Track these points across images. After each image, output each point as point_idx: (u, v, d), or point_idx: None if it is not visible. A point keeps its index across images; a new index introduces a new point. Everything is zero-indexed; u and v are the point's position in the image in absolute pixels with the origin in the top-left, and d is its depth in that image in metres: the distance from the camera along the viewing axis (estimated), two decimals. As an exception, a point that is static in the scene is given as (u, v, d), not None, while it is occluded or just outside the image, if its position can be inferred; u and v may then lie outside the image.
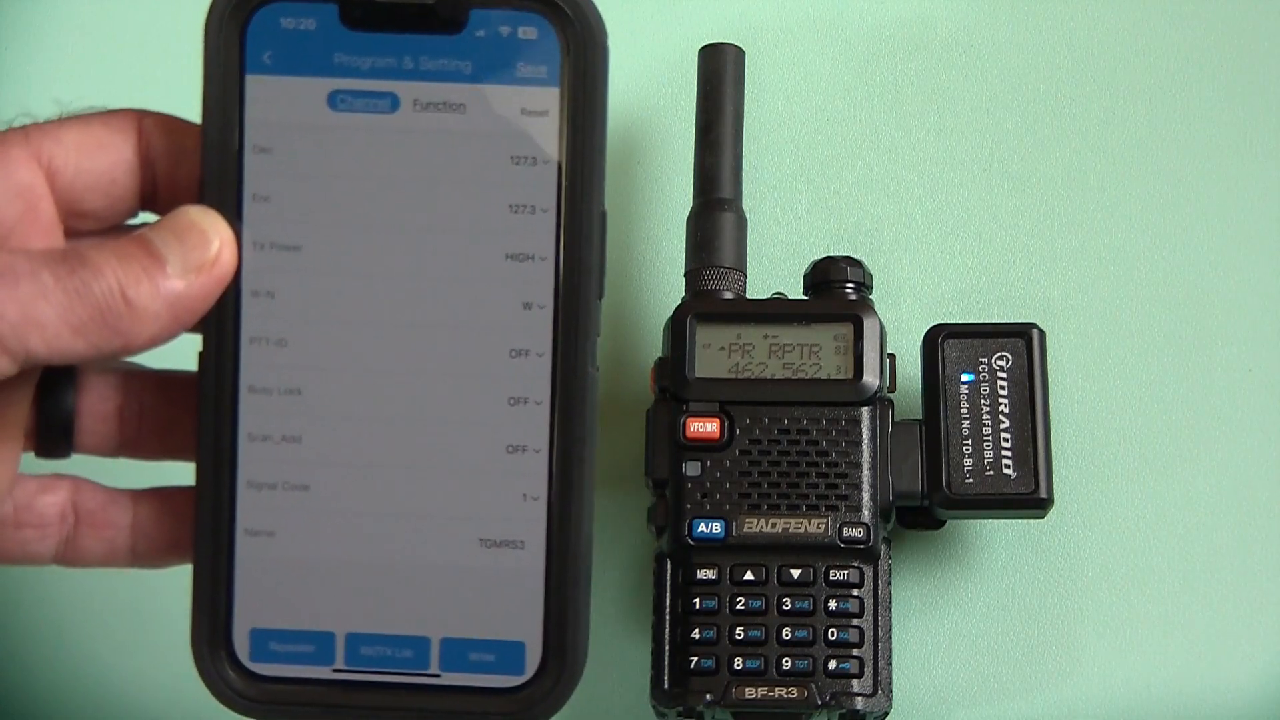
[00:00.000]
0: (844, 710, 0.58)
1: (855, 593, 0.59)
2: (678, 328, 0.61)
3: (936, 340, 0.62)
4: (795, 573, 0.59)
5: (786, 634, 0.59)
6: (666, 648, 0.59)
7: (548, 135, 0.44)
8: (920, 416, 0.61)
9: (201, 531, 0.45)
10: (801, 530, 0.59)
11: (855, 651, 0.59)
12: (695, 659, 0.59)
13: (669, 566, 0.60)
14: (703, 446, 0.60)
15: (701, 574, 0.59)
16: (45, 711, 0.65)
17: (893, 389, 0.61)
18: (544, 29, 0.44)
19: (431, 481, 0.45)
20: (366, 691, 0.45)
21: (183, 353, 0.46)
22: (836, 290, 0.62)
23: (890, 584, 0.60)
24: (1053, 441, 0.61)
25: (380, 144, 0.44)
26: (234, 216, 0.44)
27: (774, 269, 0.67)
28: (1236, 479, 0.65)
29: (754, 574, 0.59)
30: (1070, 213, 0.69)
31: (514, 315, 0.44)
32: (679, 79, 0.68)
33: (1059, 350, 0.65)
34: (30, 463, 0.46)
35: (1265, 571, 0.64)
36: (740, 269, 0.63)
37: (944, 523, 0.63)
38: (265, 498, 0.45)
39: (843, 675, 0.58)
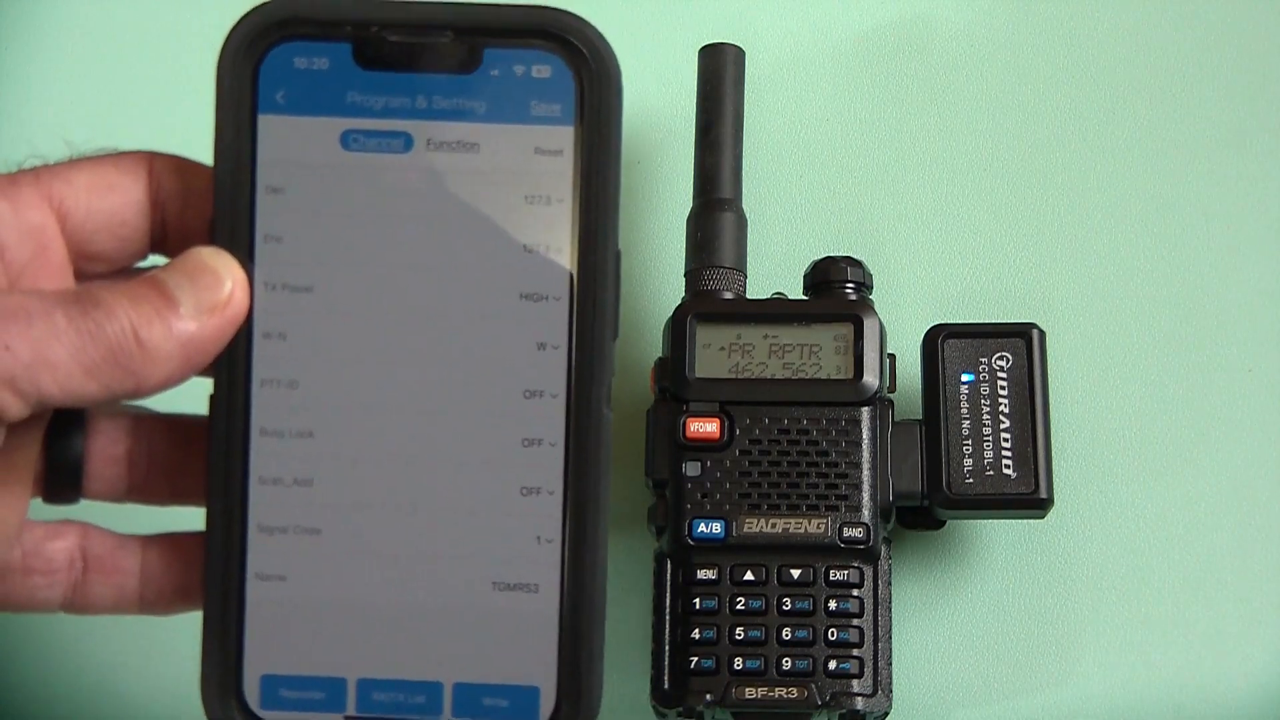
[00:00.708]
0: (844, 710, 0.58)
1: (855, 593, 0.59)
2: (678, 328, 0.61)
3: (936, 340, 0.62)
4: (795, 573, 0.59)
5: (786, 634, 0.59)
6: (666, 648, 0.59)
7: (562, 174, 0.44)
8: (920, 416, 0.61)
9: (211, 576, 0.44)
10: (801, 530, 0.59)
11: (855, 651, 0.59)
12: (695, 659, 0.59)
13: (669, 566, 0.60)
14: (703, 446, 0.60)
15: (701, 574, 0.59)
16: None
17: (893, 389, 0.61)
18: (558, 67, 0.44)
19: (444, 524, 0.44)
20: None
21: (190, 397, 0.46)
22: (836, 290, 0.62)
23: (890, 584, 0.60)
24: (1053, 441, 0.61)
25: (393, 184, 0.44)
26: (246, 257, 0.44)
27: (774, 269, 0.67)
28: (1236, 479, 0.65)
29: (754, 574, 0.59)
30: (1070, 213, 0.69)
31: (528, 356, 0.44)
32: (679, 79, 0.68)
33: (1059, 350, 0.65)
34: (36, 508, 0.45)
35: (1265, 571, 0.64)
36: (740, 269, 0.63)
37: (944, 523, 0.63)
38: (276, 542, 0.44)
39: (843, 675, 0.58)
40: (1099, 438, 0.66)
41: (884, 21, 0.72)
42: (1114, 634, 0.64)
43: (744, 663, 0.59)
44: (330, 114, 0.44)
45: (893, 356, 0.61)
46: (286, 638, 0.44)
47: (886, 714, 0.59)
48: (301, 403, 0.44)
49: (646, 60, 0.71)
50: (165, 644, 0.62)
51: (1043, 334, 0.62)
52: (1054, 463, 0.60)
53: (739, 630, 0.59)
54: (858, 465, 0.60)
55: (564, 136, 0.44)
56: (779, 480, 0.60)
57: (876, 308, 0.62)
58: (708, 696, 0.58)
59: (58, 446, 0.45)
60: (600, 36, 0.44)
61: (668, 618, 0.59)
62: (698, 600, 0.59)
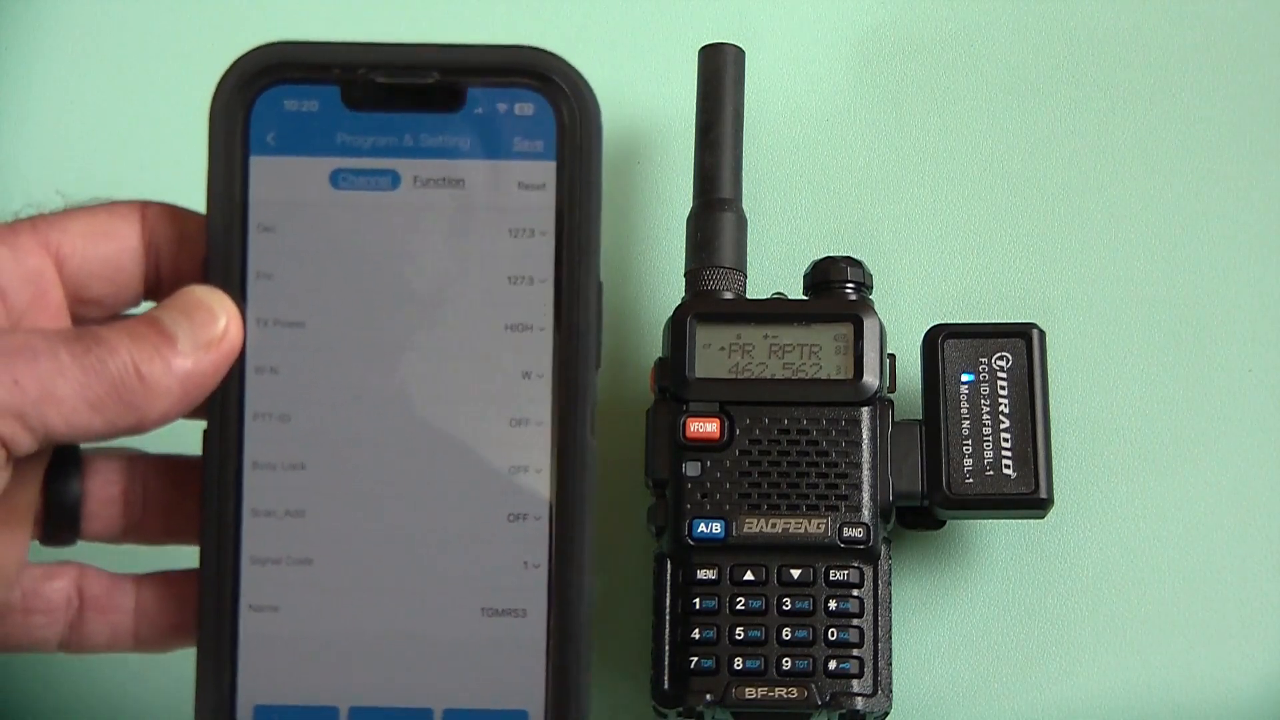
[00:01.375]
0: (844, 710, 0.58)
1: (855, 593, 0.59)
2: (678, 328, 0.61)
3: (936, 340, 0.62)
4: (795, 573, 0.59)
5: (786, 634, 0.59)
6: (666, 648, 0.59)
7: (545, 208, 0.45)
8: (920, 416, 0.61)
9: (205, 607, 0.45)
10: (801, 530, 0.59)
11: (855, 651, 0.59)
12: (695, 659, 0.59)
13: (669, 567, 0.60)
14: (703, 446, 0.60)
15: (701, 574, 0.59)
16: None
17: (893, 389, 0.61)
18: (540, 105, 0.45)
19: (434, 552, 0.45)
20: None
21: (180, 438, 0.46)
22: (836, 290, 0.62)
23: (890, 584, 0.60)
24: (1053, 441, 0.61)
25: (381, 220, 0.45)
26: (238, 294, 0.45)
27: (774, 269, 0.67)
28: (1236, 479, 0.65)
29: (754, 574, 0.59)
30: (1070, 213, 0.69)
31: (514, 385, 0.45)
32: (679, 79, 0.68)
33: (1059, 350, 0.65)
34: (31, 549, 0.46)
35: (1265, 571, 0.64)
36: (740, 269, 0.63)
37: (944, 523, 0.63)
38: (269, 573, 0.45)
39: (843, 675, 0.58)
40: (1099, 438, 0.66)
41: (884, 21, 0.72)
42: (1114, 634, 0.64)
43: (744, 663, 0.59)
44: (320, 154, 0.45)
45: (893, 356, 0.61)
46: (279, 668, 0.45)
47: (886, 714, 0.59)
48: (293, 436, 0.45)
49: (646, 60, 0.71)
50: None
51: (1043, 334, 0.62)
52: (1054, 463, 0.60)
53: (739, 630, 0.59)
54: (858, 465, 0.60)
55: (546, 171, 0.45)
56: (779, 480, 0.60)
57: (876, 308, 0.62)
58: (708, 696, 0.58)
59: (56, 487, 0.46)
60: (579, 75, 0.45)
61: (667, 618, 0.59)
62: (698, 600, 0.59)
